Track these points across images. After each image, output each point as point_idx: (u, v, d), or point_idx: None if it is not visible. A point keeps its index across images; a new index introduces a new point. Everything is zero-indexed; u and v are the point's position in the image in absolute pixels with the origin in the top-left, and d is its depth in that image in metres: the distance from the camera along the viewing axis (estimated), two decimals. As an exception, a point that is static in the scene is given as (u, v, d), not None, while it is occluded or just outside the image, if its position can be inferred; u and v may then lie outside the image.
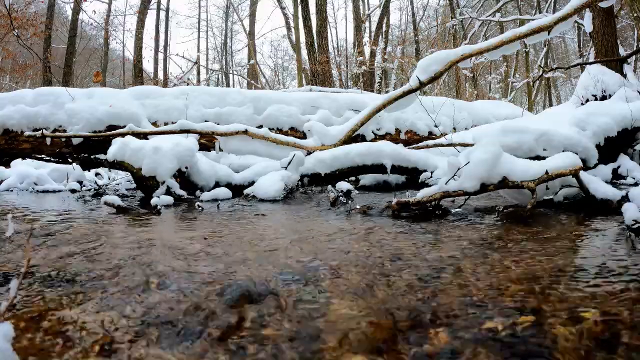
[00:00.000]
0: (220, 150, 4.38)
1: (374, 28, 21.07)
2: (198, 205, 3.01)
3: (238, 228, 2.13)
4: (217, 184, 4.04)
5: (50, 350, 0.83)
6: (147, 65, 25.44)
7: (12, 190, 5.11)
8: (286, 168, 3.81)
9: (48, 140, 4.59)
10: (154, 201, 3.11)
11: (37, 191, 5.04)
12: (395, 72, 19.58)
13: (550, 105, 19.03)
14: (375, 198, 3.38)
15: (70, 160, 5.03)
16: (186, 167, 3.86)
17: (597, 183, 2.48)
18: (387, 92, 16.35)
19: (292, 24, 19.26)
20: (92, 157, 4.75)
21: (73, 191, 4.94)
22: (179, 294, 1.11)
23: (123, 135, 4.09)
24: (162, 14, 24.27)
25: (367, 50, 19.32)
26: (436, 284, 1.14)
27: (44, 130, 4.26)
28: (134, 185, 4.71)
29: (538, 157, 3.64)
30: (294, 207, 3.04)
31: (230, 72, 28.94)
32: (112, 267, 1.38)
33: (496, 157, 2.28)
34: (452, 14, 18.11)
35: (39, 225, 2.27)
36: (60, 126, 4.74)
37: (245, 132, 4.29)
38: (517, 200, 2.55)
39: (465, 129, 5.92)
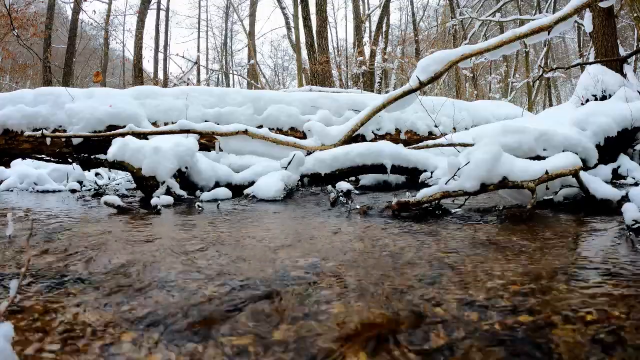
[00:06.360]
0: (220, 150, 4.37)
1: (374, 28, 21.06)
2: (198, 205, 3.01)
3: (238, 228, 2.13)
4: (217, 184, 4.03)
5: (50, 350, 0.83)
6: (147, 65, 25.47)
7: (12, 190, 5.11)
8: (286, 168, 3.81)
9: (48, 140, 4.58)
10: (154, 201, 3.11)
11: (37, 191, 5.04)
12: (395, 72, 19.56)
13: (550, 105, 19.02)
14: (375, 198, 3.38)
15: (70, 160, 5.03)
16: (186, 167, 3.86)
17: (597, 183, 2.48)
18: (387, 92, 16.35)
19: (292, 24, 19.27)
20: (92, 157, 4.75)
21: (73, 191, 4.94)
22: (178, 294, 1.11)
23: (123, 135, 4.08)
24: (162, 14, 24.27)
25: (367, 50, 19.30)
26: (436, 284, 1.14)
27: (44, 130, 4.26)
28: (134, 185, 4.72)
29: (538, 157, 3.64)
30: (294, 207, 3.04)
31: (230, 72, 28.92)
32: (112, 266, 1.38)
33: (496, 157, 2.28)
34: (452, 14, 18.10)
35: (39, 225, 2.27)
36: (60, 126, 4.74)
37: (246, 132, 4.29)
38: (517, 200, 2.55)
39: (465, 129, 5.92)
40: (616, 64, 5.56)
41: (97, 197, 4.06)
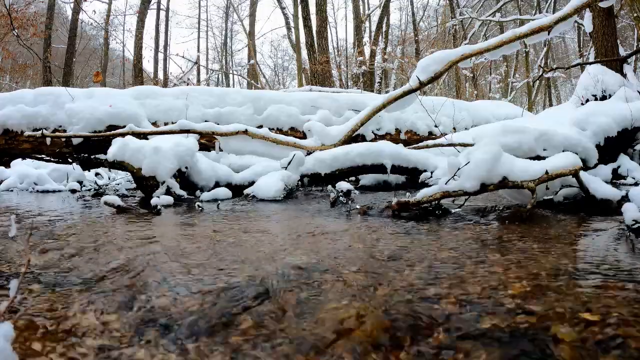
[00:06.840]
0: (220, 150, 4.38)
1: (374, 28, 21.06)
2: (198, 205, 3.01)
3: (238, 228, 2.12)
4: (217, 184, 4.04)
5: (50, 351, 0.83)
6: (147, 65, 25.46)
7: (12, 190, 5.11)
8: (286, 168, 3.81)
9: (48, 140, 4.58)
10: (154, 201, 3.11)
11: (37, 191, 5.04)
12: (395, 72, 19.56)
13: (550, 105, 19.01)
14: (375, 198, 3.38)
15: (70, 160, 5.03)
16: (186, 167, 3.86)
17: (597, 183, 2.48)
18: (387, 92, 16.34)
19: (292, 24, 19.27)
20: (92, 157, 4.75)
21: (73, 191, 4.94)
22: (178, 294, 1.11)
23: (123, 135, 4.09)
24: (162, 14, 24.26)
25: (367, 50, 19.29)
26: (436, 284, 1.14)
27: (44, 130, 4.26)
28: (134, 185, 4.72)
29: (538, 157, 3.64)
30: (294, 207, 3.04)
31: (230, 72, 28.92)
32: (112, 267, 1.38)
33: (496, 157, 2.28)
34: (452, 14, 18.09)
35: (39, 226, 2.26)
36: (60, 126, 4.74)
37: (246, 132, 4.29)
38: (517, 200, 2.55)
39: (465, 129, 5.92)
40: (616, 64, 5.56)
41: (97, 197, 4.06)
